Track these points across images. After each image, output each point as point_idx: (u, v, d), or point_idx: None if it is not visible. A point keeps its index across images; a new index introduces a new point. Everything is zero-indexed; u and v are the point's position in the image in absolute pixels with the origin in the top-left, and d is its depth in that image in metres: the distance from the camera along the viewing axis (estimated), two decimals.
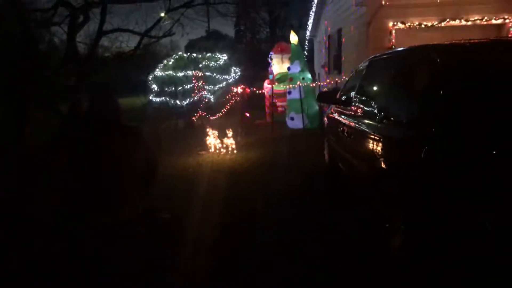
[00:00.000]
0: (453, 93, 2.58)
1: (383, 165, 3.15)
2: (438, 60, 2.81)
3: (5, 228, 3.73)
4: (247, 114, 11.15)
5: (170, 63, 13.47)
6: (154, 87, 13.10)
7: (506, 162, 2.14)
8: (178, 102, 12.52)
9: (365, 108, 4.02)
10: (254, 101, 12.35)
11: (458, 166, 2.31)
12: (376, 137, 3.37)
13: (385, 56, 4.00)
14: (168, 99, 12.88)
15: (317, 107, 10.30)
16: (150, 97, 13.44)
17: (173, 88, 12.78)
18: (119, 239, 2.41)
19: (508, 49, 2.96)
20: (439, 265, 2.63)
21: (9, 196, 3.92)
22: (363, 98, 4.20)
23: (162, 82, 13.06)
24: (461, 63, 2.75)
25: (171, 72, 12.95)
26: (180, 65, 13.29)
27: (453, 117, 2.50)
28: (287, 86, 10.26)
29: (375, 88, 3.98)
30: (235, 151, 7.86)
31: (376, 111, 3.62)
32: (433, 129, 2.51)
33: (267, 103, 11.91)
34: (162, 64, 13.59)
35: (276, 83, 11.34)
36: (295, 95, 10.03)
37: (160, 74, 13.04)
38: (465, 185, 2.26)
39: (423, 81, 2.90)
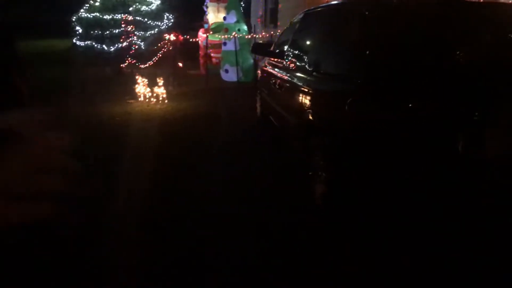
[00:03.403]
0: (381, 47, 2.68)
1: (310, 117, 3.24)
2: (367, 13, 2.88)
3: None
4: (180, 64, 10.78)
5: (97, 4, 12.45)
6: (79, 29, 12.11)
7: (421, 118, 2.29)
8: (105, 47, 11.74)
9: (297, 61, 4.05)
10: (188, 51, 11.94)
11: (377, 119, 2.44)
12: (305, 89, 3.44)
13: (319, 9, 4.01)
14: (94, 43, 12.03)
15: (252, 61, 10.22)
16: (74, 40, 12.44)
17: (100, 32, 11.93)
18: None
19: (439, 5, 3.07)
20: (356, 209, 2.84)
21: None
22: (296, 51, 4.22)
23: (88, 24, 12.11)
24: (390, 18, 2.84)
25: (97, 14, 12.00)
26: (108, 7, 12.35)
27: (378, 70, 2.60)
28: (222, 37, 10.01)
29: (308, 41, 4.01)
30: (166, 101, 7.62)
31: (307, 64, 3.66)
32: (358, 81, 2.61)
33: (201, 53, 11.57)
34: (88, 5, 12.52)
35: (211, 33, 11.01)
36: (230, 46, 9.83)
37: (85, 15, 12.04)
38: (383, 137, 2.41)
39: (353, 35, 2.97)
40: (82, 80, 9.45)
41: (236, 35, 9.65)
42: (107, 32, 11.81)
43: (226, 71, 10.14)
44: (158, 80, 7.82)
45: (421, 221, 2.38)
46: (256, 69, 9.73)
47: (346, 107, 2.64)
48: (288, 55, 4.32)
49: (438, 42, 2.57)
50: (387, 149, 2.37)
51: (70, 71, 10.98)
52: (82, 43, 12.01)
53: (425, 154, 2.26)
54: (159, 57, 10.88)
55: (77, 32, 12.25)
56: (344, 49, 3.12)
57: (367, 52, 2.74)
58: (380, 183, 2.50)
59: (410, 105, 2.37)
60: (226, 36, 9.86)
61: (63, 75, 10.25)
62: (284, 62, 4.36)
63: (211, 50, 10.98)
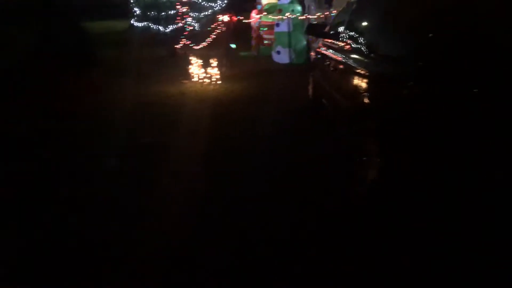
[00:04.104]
0: (447, 27, 2.54)
1: (366, 100, 3.15)
2: None
3: None
4: (232, 45, 10.84)
5: None
6: (136, 10, 12.49)
7: (490, 102, 2.16)
8: (161, 28, 12.04)
9: (354, 42, 3.93)
10: (240, 32, 11.96)
11: (439, 104, 2.33)
12: (361, 72, 3.34)
13: None
14: (150, 24, 12.37)
15: (304, 42, 10.06)
16: (132, 21, 12.86)
17: (156, 13, 12.23)
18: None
19: None
20: (409, 199, 2.75)
21: None
22: (353, 32, 4.09)
23: (145, 5, 12.45)
24: None
25: None
26: None
27: (443, 52, 2.47)
28: (276, 18, 9.91)
29: (366, 21, 3.87)
30: (218, 82, 7.74)
31: (365, 45, 3.55)
32: (420, 64, 2.49)
33: (253, 34, 11.56)
34: None
35: (264, 14, 10.92)
36: (283, 28, 9.73)
37: None
38: (444, 125, 2.29)
39: (416, 14, 2.83)
40: (138, 61, 9.79)
41: (289, 16, 9.52)
42: (163, 13, 12.08)
43: (278, 52, 10.07)
44: (211, 61, 7.94)
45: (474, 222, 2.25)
46: (309, 51, 9.58)
47: (406, 91, 2.54)
48: (344, 36, 4.21)
49: None
50: (448, 141, 2.26)
51: (127, 51, 11.39)
52: (139, 24, 12.38)
53: (491, 149, 2.13)
54: (212, 38, 11.00)
55: (135, 13, 12.62)
56: (406, 30, 2.98)
57: (431, 32, 2.61)
58: (433, 177, 2.39)
59: (475, 90, 2.24)
60: (279, 17, 9.76)
61: (122, 55, 10.66)
62: (340, 44, 4.25)
63: (263, 31, 10.92)
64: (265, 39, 11.12)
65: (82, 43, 2.97)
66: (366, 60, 3.36)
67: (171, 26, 11.92)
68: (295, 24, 9.76)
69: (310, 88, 5.95)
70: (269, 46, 10.77)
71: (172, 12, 12.05)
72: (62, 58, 2.78)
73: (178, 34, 11.66)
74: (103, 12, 16.58)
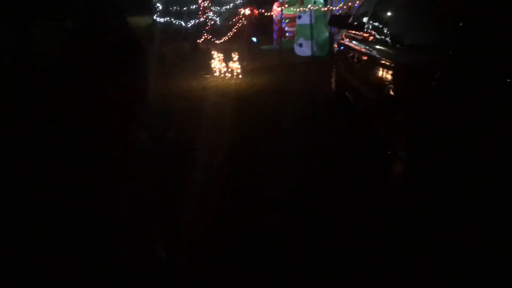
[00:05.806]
0: (480, 13, 2.41)
1: (391, 92, 3.05)
2: None
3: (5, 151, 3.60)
4: (254, 39, 10.78)
5: None
6: (159, 6, 12.56)
7: None
8: (183, 23, 12.09)
9: (378, 32, 3.81)
10: (262, 25, 11.86)
11: (469, 95, 2.21)
12: (387, 63, 3.23)
13: None
14: (172, 19, 12.43)
15: (327, 34, 9.90)
16: (154, 17, 12.96)
17: (178, 8, 12.28)
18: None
19: None
20: (437, 194, 2.64)
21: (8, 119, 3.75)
22: (378, 22, 3.97)
23: (167, 1, 12.52)
24: None
25: None
26: None
27: (475, 40, 2.35)
28: (297, 10, 9.78)
29: (391, 11, 3.74)
30: (240, 76, 7.70)
31: (390, 35, 3.44)
32: (450, 53, 2.38)
33: (275, 27, 11.45)
34: None
35: (286, 6, 10.80)
36: (305, 20, 9.59)
37: None
38: (476, 117, 2.17)
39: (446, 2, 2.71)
40: (161, 56, 9.84)
41: (311, 7, 9.38)
42: (185, 8, 12.12)
43: (300, 45, 9.94)
44: (232, 55, 7.91)
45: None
46: (331, 43, 9.42)
47: (433, 82, 2.43)
48: (369, 27, 4.09)
49: None
50: (477, 134, 2.14)
51: (151, 47, 11.48)
52: (161, 19, 12.46)
53: None
54: (234, 32, 10.96)
55: (157, 9, 12.70)
56: (433, 18, 2.86)
57: (460, 21, 2.48)
58: (464, 171, 2.28)
59: (509, 80, 2.11)
60: (301, 8, 9.62)
61: (146, 51, 10.74)
62: (364, 35, 4.13)
63: (285, 24, 10.80)
64: (287, 31, 11.00)
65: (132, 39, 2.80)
66: (391, 51, 3.25)
67: (193, 21, 11.94)
68: (318, 16, 9.61)
69: (332, 81, 5.84)
70: (291, 39, 10.65)
71: (194, 6, 12.07)
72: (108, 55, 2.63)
73: (199, 28, 11.69)
74: (126, 8, 16.71)
